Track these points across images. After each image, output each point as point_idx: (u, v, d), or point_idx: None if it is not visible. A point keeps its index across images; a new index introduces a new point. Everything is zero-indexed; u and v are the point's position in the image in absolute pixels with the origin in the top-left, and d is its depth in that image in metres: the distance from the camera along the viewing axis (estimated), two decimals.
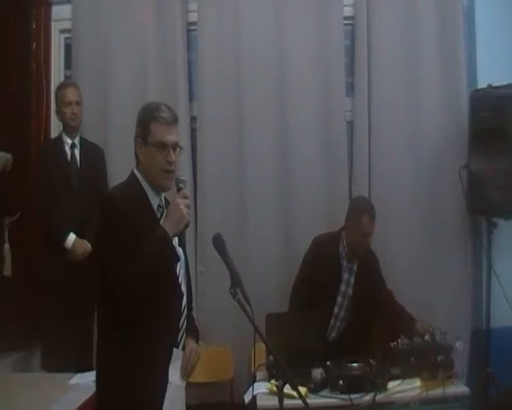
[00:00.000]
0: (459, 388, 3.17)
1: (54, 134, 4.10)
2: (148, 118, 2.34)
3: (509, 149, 3.67)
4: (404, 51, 4.14)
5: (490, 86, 3.82)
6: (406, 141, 4.14)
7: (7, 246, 3.72)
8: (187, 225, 2.27)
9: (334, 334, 3.69)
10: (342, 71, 4.15)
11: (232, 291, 2.18)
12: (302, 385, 2.79)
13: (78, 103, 3.86)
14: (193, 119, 4.20)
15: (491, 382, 3.73)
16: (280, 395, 2.25)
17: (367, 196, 4.03)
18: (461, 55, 4.09)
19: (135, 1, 4.16)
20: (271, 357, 2.63)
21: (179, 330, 2.38)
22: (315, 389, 3.11)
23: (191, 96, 4.21)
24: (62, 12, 4.22)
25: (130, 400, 2.20)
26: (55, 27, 4.25)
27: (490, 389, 3.74)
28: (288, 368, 2.24)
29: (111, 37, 4.13)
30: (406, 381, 3.15)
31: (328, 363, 3.19)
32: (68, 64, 4.27)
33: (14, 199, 3.77)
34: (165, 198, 2.43)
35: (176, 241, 2.31)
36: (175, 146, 2.34)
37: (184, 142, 3.89)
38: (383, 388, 3.08)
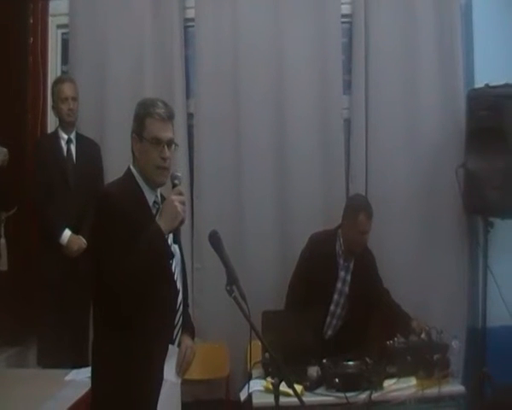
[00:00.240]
0: (455, 387, 3.16)
1: (50, 129, 4.09)
2: (143, 114, 2.34)
3: (506, 148, 3.68)
4: (401, 50, 4.13)
5: (487, 86, 3.82)
6: (403, 139, 4.13)
7: (3, 241, 3.69)
8: (182, 222, 2.26)
9: (330, 332, 3.69)
10: (340, 69, 4.14)
11: (228, 288, 2.18)
12: (298, 383, 2.77)
13: (75, 99, 3.85)
14: (190, 115, 4.18)
15: (487, 381, 3.73)
16: (276, 392, 2.25)
17: (364, 193, 4.02)
18: (458, 54, 4.09)
19: None
20: (267, 354, 2.61)
21: (175, 327, 2.37)
22: (311, 387, 3.09)
23: (188, 93, 4.19)
24: (59, 7, 4.21)
25: (126, 396, 2.20)
26: (52, 22, 4.24)
27: (485, 388, 3.74)
28: (283, 366, 2.23)
29: (108, 32, 4.11)
30: (402, 379, 3.15)
31: (324, 361, 3.18)
32: (65, 59, 4.25)
33: (10, 194, 3.74)
34: (161, 194, 2.42)
35: (171, 238, 2.30)
36: (170, 142, 2.34)
37: (181, 139, 3.89)
38: (379, 386, 3.07)
